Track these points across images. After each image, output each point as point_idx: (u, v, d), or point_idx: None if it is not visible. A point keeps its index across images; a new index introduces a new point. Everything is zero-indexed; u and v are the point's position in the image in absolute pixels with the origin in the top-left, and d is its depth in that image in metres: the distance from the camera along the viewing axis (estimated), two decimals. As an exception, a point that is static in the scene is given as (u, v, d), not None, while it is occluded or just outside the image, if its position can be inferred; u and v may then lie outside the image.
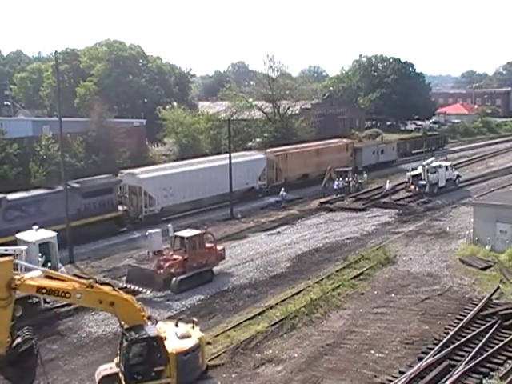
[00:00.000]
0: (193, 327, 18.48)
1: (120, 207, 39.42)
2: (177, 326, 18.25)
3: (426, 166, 48.08)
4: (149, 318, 17.41)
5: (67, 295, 16.14)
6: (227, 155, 43.46)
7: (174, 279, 27.40)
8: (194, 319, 19.86)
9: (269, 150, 52.45)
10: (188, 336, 17.72)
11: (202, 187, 44.07)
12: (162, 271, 27.51)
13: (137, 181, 40.74)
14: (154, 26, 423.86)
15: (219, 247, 30.46)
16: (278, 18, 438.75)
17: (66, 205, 32.99)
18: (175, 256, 28.35)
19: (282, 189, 47.72)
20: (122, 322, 16.86)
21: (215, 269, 29.83)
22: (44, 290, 16.17)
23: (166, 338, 17.17)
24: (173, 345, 17.15)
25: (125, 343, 16.61)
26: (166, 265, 27.66)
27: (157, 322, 17.86)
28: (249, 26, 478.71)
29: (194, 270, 28.30)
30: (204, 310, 25.61)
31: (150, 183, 40.88)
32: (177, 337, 17.60)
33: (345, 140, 61.49)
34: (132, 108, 69.05)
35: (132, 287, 26.61)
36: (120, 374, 16.97)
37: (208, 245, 29.44)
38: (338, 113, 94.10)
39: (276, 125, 67.00)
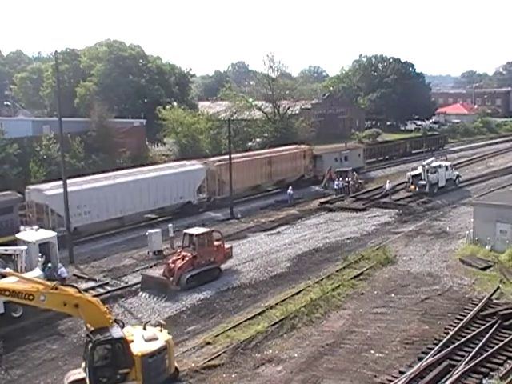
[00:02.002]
0: (161, 330, 18.32)
1: (22, 228, 33.32)
2: (145, 329, 18.10)
3: (426, 166, 48.05)
4: (115, 320, 17.27)
5: (31, 297, 16.02)
6: (161, 165, 40.82)
7: (183, 276, 27.86)
8: (162, 322, 19.78)
9: (210, 160, 47.22)
10: (155, 339, 17.56)
11: (127, 203, 38.64)
12: (173, 277, 27.76)
13: (44, 198, 35.22)
14: (154, 26, 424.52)
15: (227, 245, 30.85)
16: (277, 17, 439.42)
17: (66, 206, 32.94)
18: (184, 253, 28.70)
19: (290, 187, 47.96)
20: (89, 326, 16.72)
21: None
22: (7, 292, 16.03)
23: (132, 341, 17.04)
24: (138, 347, 17.00)
25: (89, 346, 16.43)
26: (177, 268, 27.95)
27: (124, 325, 17.71)
28: (249, 26, 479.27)
29: (203, 267, 28.69)
30: (204, 310, 25.60)
31: (60, 200, 34.27)
32: (143, 339, 17.46)
33: (303, 146, 56.02)
34: (132, 108, 69.05)
35: None
36: (86, 379, 16.77)
37: (216, 243, 29.83)
38: (337, 113, 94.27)
39: (276, 125, 67.08)
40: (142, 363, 16.73)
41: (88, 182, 37.86)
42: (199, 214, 43.22)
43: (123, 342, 16.53)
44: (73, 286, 17.33)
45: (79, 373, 17.58)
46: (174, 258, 28.88)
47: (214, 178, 45.43)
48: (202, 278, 28.46)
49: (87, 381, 16.63)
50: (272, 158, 51.16)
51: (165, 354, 17.51)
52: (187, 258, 28.21)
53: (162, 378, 17.44)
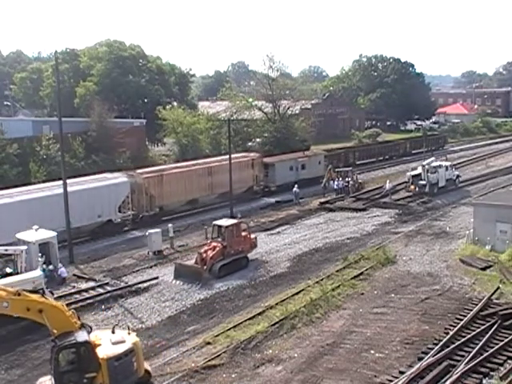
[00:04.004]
0: (129, 333, 18.24)
1: None
2: (113, 332, 17.99)
3: (426, 166, 48.06)
4: (82, 325, 17.17)
5: None
6: (76, 179, 36.68)
7: (215, 265, 29.36)
8: (129, 326, 19.63)
9: (138, 171, 41.82)
10: (122, 341, 17.46)
11: (28, 225, 30.50)
12: (206, 266, 29.25)
13: None
14: (154, 26, 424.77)
15: (252, 236, 32.52)
16: (277, 17, 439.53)
17: (66, 207, 32.92)
18: (214, 244, 30.15)
19: (296, 185, 47.90)
20: (55, 331, 16.51)
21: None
22: None
23: (100, 345, 16.97)
24: (104, 351, 16.89)
25: (54, 350, 16.30)
26: (209, 257, 29.43)
27: (91, 329, 17.65)
28: (249, 26, 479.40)
29: (232, 256, 30.30)
30: (204, 309, 25.60)
31: None
32: (111, 343, 17.35)
33: (252, 154, 50.92)
34: (132, 108, 69.09)
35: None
36: None
37: (243, 233, 31.38)
38: (337, 113, 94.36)
39: (276, 125, 67.00)
40: (107, 366, 16.56)
41: None
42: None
43: (88, 346, 16.36)
44: (37, 292, 17.21)
45: (49, 379, 17.29)
46: (206, 248, 30.36)
47: (142, 192, 40.40)
48: (231, 267, 30.00)
49: None
50: (212, 168, 45.58)
51: (132, 356, 17.33)
52: (218, 248, 29.74)
53: (130, 380, 17.26)
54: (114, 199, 37.87)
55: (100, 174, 40.51)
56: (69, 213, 33.04)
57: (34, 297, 16.52)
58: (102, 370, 16.52)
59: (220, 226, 30.68)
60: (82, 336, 16.50)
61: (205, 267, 29.13)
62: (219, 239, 30.33)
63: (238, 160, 47.43)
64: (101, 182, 37.78)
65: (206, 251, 29.88)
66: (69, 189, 34.17)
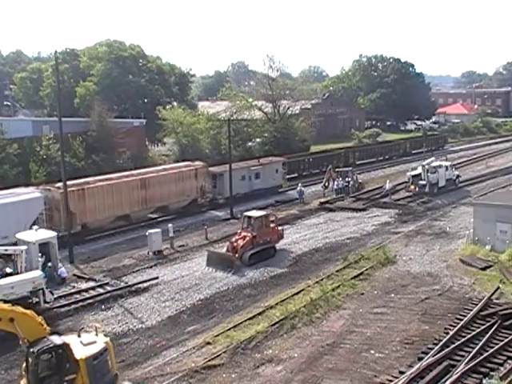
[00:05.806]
0: (96, 334, 18.06)
1: None
2: (79, 336, 17.75)
3: (426, 166, 48.06)
4: (53, 332, 16.95)
5: None
6: None
7: (245, 254, 31.01)
8: (97, 325, 19.68)
9: (56, 185, 36.29)
10: (94, 342, 17.36)
11: None
12: (237, 254, 30.88)
13: None
14: (154, 26, 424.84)
15: (279, 227, 33.99)
16: (277, 17, 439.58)
17: (66, 205, 32.93)
18: (244, 233, 31.80)
19: (299, 184, 47.66)
20: (26, 340, 16.24)
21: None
22: None
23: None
24: (80, 352, 16.74)
25: (31, 357, 16.05)
26: (239, 246, 31.12)
27: (60, 335, 17.56)
28: (249, 26, 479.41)
29: (261, 246, 31.87)
30: (204, 309, 25.60)
31: None
32: (82, 345, 17.17)
33: (197, 163, 45.65)
34: (132, 108, 69.07)
35: None
36: None
37: (271, 225, 33.11)
38: (338, 113, 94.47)
39: (276, 125, 67.09)
40: (86, 366, 16.46)
41: None
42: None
43: (66, 348, 16.24)
44: (5, 302, 17.11)
45: None
46: (236, 237, 31.97)
47: (60, 209, 35.23)
48: (260, 255, 31.54)
49: None
50: (146, 180, 40.66)
51: (107, 355, 17.27)
52: (247, 238, 31.32)
53: (107, 378, 17.20)
54: (24, 218, 32.66)
55: (12, 188, 36.06)
56: (69, 213, 33.08)
57: (4, 306, 16.36)
58: (81, 370, 16.40)
59: (250, 217, 32.39)
60: (57, 339, 16.37)
61: (236, 255, 30.62)
62: (249, 229, 31.92)
63: (177, 170, 43.72)
64: (7, 199, 33.17)
65: (236, 240, 31.50)
66: None
